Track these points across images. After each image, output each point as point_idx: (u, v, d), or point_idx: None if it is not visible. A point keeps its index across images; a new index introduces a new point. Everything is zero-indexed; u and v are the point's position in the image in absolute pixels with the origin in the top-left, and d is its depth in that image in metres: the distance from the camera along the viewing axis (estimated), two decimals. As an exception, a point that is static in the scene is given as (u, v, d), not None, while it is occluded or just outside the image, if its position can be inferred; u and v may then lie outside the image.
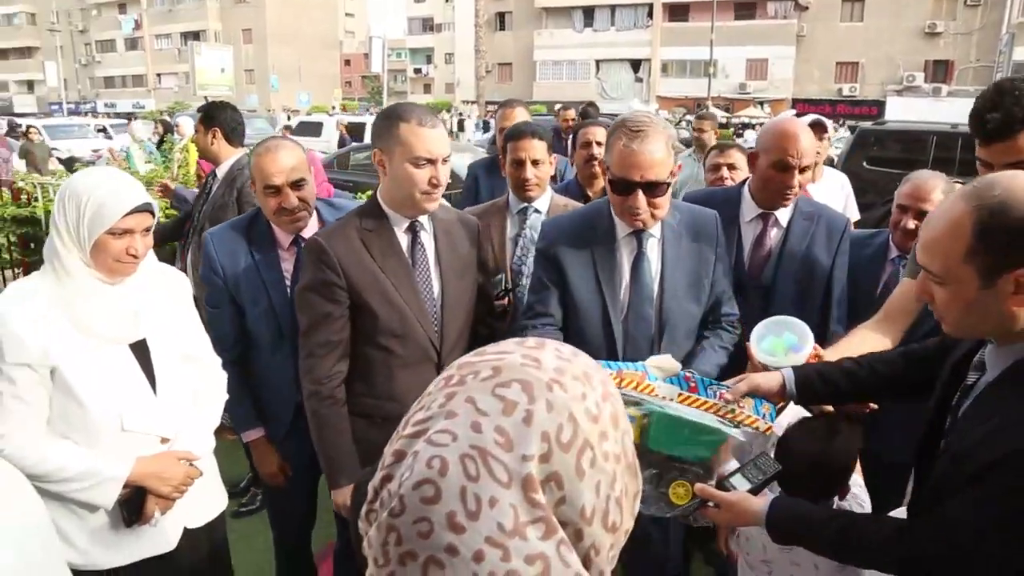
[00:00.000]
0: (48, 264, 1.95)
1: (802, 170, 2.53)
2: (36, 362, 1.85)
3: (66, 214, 1.92)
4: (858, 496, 1.90)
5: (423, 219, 2.31)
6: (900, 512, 1.70)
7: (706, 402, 1.78)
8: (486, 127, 23.51)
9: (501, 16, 46.82)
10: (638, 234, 2.29)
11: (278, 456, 2.66)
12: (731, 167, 3.68)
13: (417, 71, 62.61)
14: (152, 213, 2.01)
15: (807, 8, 38.80)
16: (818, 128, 3.85)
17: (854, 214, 4.27)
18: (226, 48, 36.26)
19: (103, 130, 21.71)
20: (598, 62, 43.90)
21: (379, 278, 2.20)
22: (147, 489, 1.99)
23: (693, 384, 1.83)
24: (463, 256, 2.40)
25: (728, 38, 37.78)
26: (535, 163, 2.94)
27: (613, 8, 43.39)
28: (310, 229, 2.58)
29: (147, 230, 2.00)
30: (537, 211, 2.98)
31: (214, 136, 3.76)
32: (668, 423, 1.66)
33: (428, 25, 62.63)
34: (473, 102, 35.78)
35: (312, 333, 2.23)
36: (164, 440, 2.07)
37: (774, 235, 2.66)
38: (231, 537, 2.46)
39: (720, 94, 36.98)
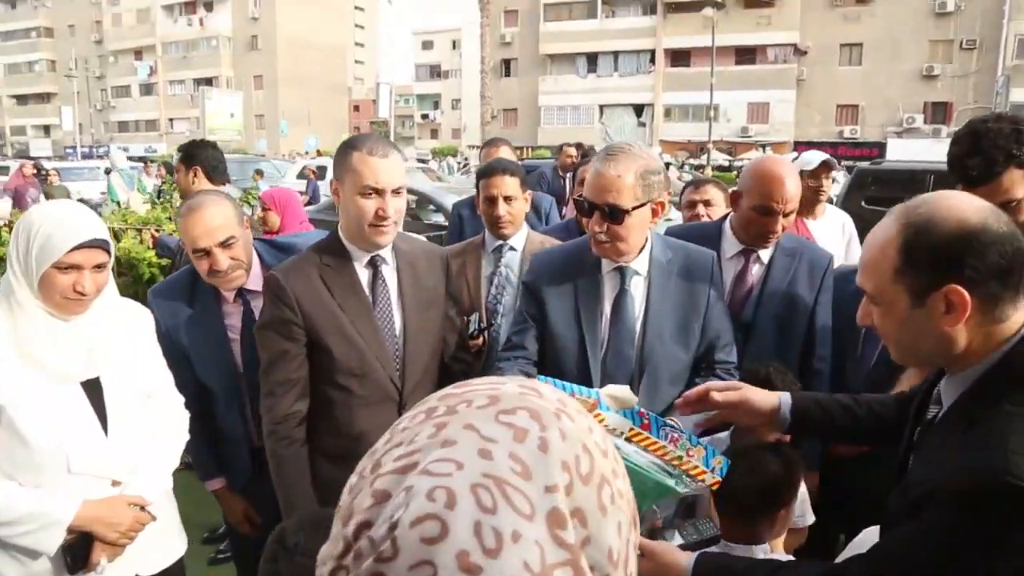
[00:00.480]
0: (3, 297, 1.86)
1: (786, 214, 2.45)
2: None
3: (17, 245, 1.83)
4: (801, 505, 1.92)
5: (385, 252, 2.22)
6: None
7: (655, 443, 1.64)
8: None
9: (507, 63, 47.78)
10: (622, 270, 2.19)
11: (243, 503, 2.61)
12: (707, 203, 3.55)
13: (424, 116, 63.67)
14: (106, 250, 1.90)
15: (806, 53, 39.52)
16: (825, 167, 3.69)
17: (857, 254, 3.92)
18: (236, 94, 37.14)
19: (109, 171, 22.25)
20: (602, 107, 44.63)
21: (337, 316, 2.13)
22: (93, 535, 1.88)
23: (646, 422, 1.68)
24: (428, 288, 2.31)
25: (729, 82, 38.45)
26: (507, 199, 2.90)
27: (616, 54, 44.25)
28: (253, 278, 2.49)
29: (99, 266, 1.88)
30: (512, 248, 2.94)
31: (195, 175, 3.68)
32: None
33: (435, 72, 63.90)
34: (478, 147, 36.40)
35: (270, 371, 2.16)
36: (116, 483, 1.97)
37: (755, 272, 2.57)
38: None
39: (722, 137, 37.57)
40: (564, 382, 1.74)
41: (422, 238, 2.49)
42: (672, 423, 1.70)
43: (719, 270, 2.33)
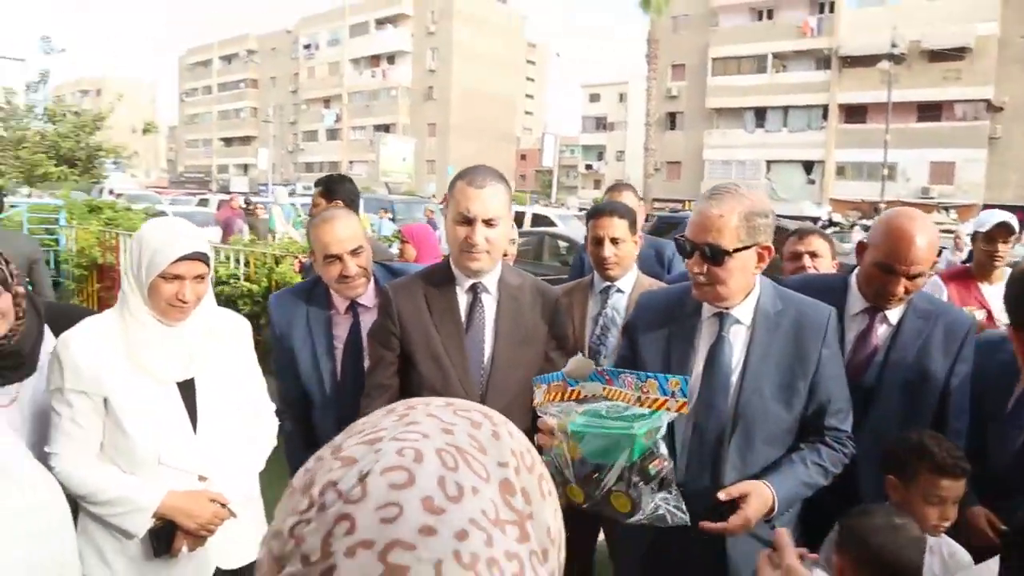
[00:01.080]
0: (119, 303, 2.09)
1: (911, 277, 2.22)
2: (91, 390, 1.96)
3: (131, 257, 2.05)
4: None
5: (489, 282, 2.27)
6: None
7: (622, 393, 1.76)
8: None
9: (672, 116, 47.71)
10: (721, 316, 2.07)
11: None
12: (813, 255, 3.28)
13: (588, 167, 64.51)
14: (205, 262, 2.07)
15: (1002, 109, 36.53)
16: (1003, 229, 3.40)
17: None
18: (409, 140, 39.55)
19: (293, 206, 24.40)
20: (768, 162, 43.39)
21: (431, 335, 2.22)
22: (175, 523, 2.04)
23: (608, 377, 1.79)
24: (527, 324, 2.31)
25: (910, 140, 36.22)
26: (614, 241, 2.88)
27: (786, 109, 43.00)
28: (367, 296, 2.62)
29: (199, 277, 2.05)
30: (620, 291, 2.94)
31: (334, 206, 3.89)
32: (594, 438, 1.66)
33: (601, 123, 64.78)
34: (641, 199, 36.41)
35: (371, 374, 2.30)
36: (202, 478, 2.11)
37: (881, 333, 2.34)
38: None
39: (899, 197, 35.29)
40: (547, 375, 1.85)
41: (536, 278, 2.50)
42: (624, 370, 1.80)
43: (837, 328, 2.13)
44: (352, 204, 3.92)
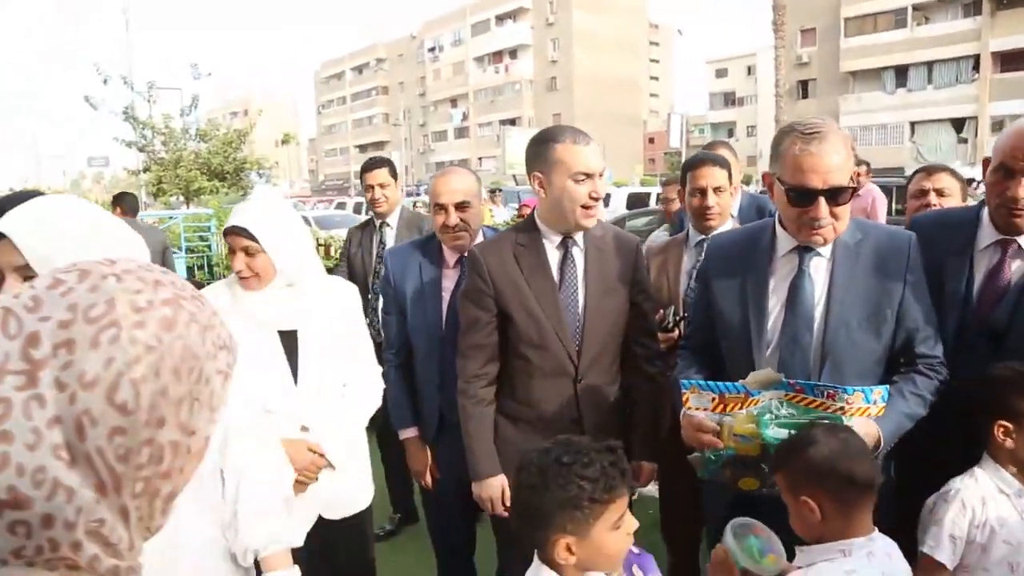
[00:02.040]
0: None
1: None
2: None
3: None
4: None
5: (576, 235, 2.35)
6: None
7: (813, 400, 1.78)
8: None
9: (803, 84, 45.65)
10: (801, 251, 2.01)
11: (427, 455, 2.82)
12: (940, 192, 3.06)
13: (717, 143, 62.87)
14: (250, 237, 2.11)
15: None
16: None
17: None
18: (533, 131, 39.97)
19: (415, 205, 25.67)
20: (913, 124, 40.71)
21: (523, 291, 2.29)
22: None
23: (799, 387, 1.80)
24: (614, 273, 2.39)
25: (1078, 85, 33.01)
26: (716, 190, 2.86)
27: (930, 65, 40.11)
28: None
29: (247, 252, 2.12)
30: None
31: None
32: (785, 430, 1.78)
33: (730, 99, 62.89)
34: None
35: (465, 335, 2.37)
36: (304, 428, 2.20)
37: (1016, 268, 2.08)
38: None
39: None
40: (713, 383, 1.86)
41: (615, 227, 2.61)
42: (826, 384, 1.81)
43: (918, 253, 2.03)
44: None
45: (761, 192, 4.04)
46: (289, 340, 2.22)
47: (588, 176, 2.21)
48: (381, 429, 2.69)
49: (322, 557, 2.28)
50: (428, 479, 2.85)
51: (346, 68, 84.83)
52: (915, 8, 40.31)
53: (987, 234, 2.15)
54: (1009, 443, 1.86)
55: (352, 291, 2.50)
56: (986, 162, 2.14)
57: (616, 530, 1.52)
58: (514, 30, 64.19)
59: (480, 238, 2.78)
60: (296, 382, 2.22)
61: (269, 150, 22.91)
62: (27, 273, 1.32)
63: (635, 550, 1.68)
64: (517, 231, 2.40)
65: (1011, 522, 1.85)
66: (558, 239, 2.35)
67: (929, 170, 3.27)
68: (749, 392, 1.81)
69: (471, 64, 68.17)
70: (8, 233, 1.34)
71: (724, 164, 2.96)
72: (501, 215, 14.14)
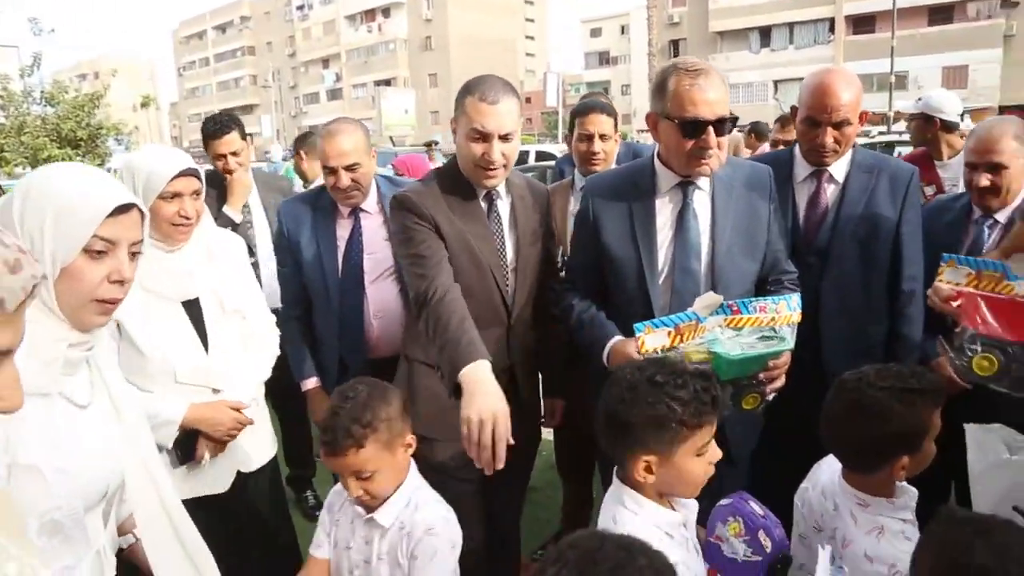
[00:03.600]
0: None
1: (837, 125, 2.33)
2: None
3: (125, 186, 1.99)
4: None
5: (500, 187, 2.29)
6: None
7: (751, 318, 1.94)
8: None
9: (675, 43, 46.71)
10: (684, 186, 2.15)
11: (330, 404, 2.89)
12: (787, 143, 3.52)
13: (593, 103, 63.72)
14: (199, 178, 2.12)
15: (1017, 4, 35.31)
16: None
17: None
18: (409, 91, 39.15)
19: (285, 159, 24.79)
20: (776, 82, 42.54)
21: (464, 236, 2.20)
22: (199, 432, 2.14)
23: (736, 307, 1.94)
24: (534, 222, 2.38)
25: (921, 46, 35.23)
26: (602, 137, 3.03)
27: (791, 26, 41.90)
28: (369, 202, 2.81)
29: (195, 193, 2.10)
30: None
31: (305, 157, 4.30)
32: (730, 363, 1.88)
33: (605, 59, 63.68)
34: (645, 130, 36.00)
35: (422, 259, 2.12)
36: (215, 391, 2.20)
37: (830, 192, 2.46)
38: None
39: (904, 108, 34.50)
40: (664, 318, 1.88)
41: (525, 176, 2.56)
42: (755, 298, 1.97)
43: (774, 183, 2.28)
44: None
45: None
46: (193, 308, 2.16)
47: (483, 136, 2.10)
48: (272, 384, 2.54)
49: (242, 506, 2.31)
50: None
51: (208, 27, 79.87)
52: (776, -30, 41.77)
53: (802, 168, 2.51)
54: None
55: (240, 243, 2.46)
56: (794, 110, 2.51)
57: (699, 456, 1.51)
58: (386, -13, 62.17)
59: (375, 189, 2.83)
60: (207, 350, 2.17)
61: (126, 115, 21.02)
62: None
63: (760, 511, 1.60)
64: (441, 178, 2.28)
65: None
66: (482, 191, 2.27)
67: (783, 120, 3.97)
68: (699, 319, 1.90)
69: (343, 23, 65.65)
70: None
71: (611, 112, 3.11)
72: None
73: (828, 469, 1.86)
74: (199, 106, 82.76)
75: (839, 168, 2.46)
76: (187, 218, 2.09)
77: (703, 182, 2.17)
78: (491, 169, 2.14)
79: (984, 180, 2.39)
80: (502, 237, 2.29)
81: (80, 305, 1.35)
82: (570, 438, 3.29)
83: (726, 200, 2.17)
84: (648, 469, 1.50)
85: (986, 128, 2.45)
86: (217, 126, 3.62)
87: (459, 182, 2.25)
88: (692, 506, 1.63)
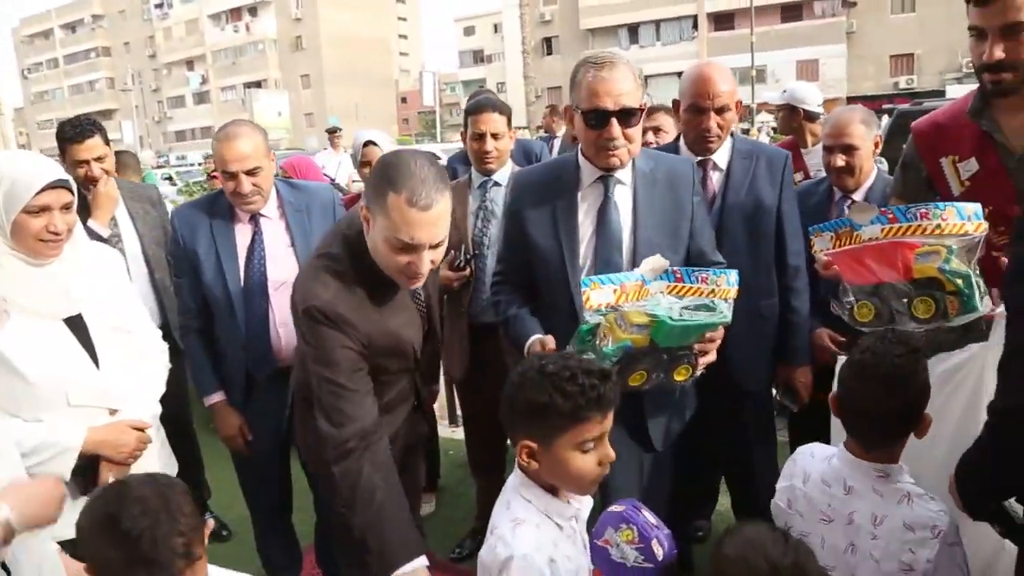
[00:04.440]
0: None
1: (719, 110, 2.49)
2: None
3: None
4: None
5: None
6: None
7: (691, 288, 2.00)
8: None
9: (548, 41, 47.52)
10: (605, 180, 2.18)
11: (239, 419, 2.74)
12: (656, 130, 3.65)
13: (470, 101, 63.95)
14: (70, 190, 1.96)
15: (855, 4, 38.21)
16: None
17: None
18: (282, 93, 38.08)
19: (169, 178, 23.16)
20: (646, 77, 43.94)
21: (390, 332, 2.01)
22: (101, 457, 2.01)
23: (679, 275, 2.00)
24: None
25: (776, 42, 37.50)
26: (495, 136, 3.05)
27: (657, 23, 43.54)
28: (269, 207, 2.70)
29: (66, 207, 1.94)
30: (497, 184, 3.09)
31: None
32: (671, 328, 1.91)
33: (479, 57, 63.96)
34: (525, 127, 36.48)
35: (354, 402, 1.89)
36: (112, 411, 2.08)
37: (716, 179, 2.63)
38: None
39: (769, 101, 36.72)
40: (612, 275, 1.93)
41: None
42: (698, 268, 2.04)
43: (697, 175, 2.34)
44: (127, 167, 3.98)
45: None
46: (77, 325, 2.02)
47: (409, 248, 1.79)
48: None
49: None
50: (240, 441, 2.77)
51: (55, 25, 74.39)
52: (641, -30, 43.27)
53: (687, 158, 2.57)
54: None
55: (117, 256, 2.36)
56: (675, 105, 2.66)
57: (583, 453, 1.50)
58: (251, -15, 59.91)
59: (274, 194, 2.73)
60: (98, 366, 2.04)
61: (-38, 123, 19.21)
62: None
63: (653, 521, 1.61)
64: (360, 270, 1.92)
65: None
66: None
67: (650, 110, 3.70)
68: (645, 280, 1.95)
69: (206, 22, 62.80)
70: None
71: (504, 110, 3.15)
72: None
73: (815, 459, 1.85)
74: (50, 111, 76.91)
75: (721, 156, 2.62)
76: (56, 233, 1.93)
77: (624, 175, 2.20)
78: (416, 278, 1.90)
79: (840, 160, 2.77)
80: (424, 306, 2.19)
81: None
82: (482, 433, 3.32)
83: (648, 193, 2.21)
84: (530, 455, 1.52)
85: (838, 115, 2.86)
86: (77, 130, 3.29)
87: (375, 273, 1.93)
88: (586, 502, 1.65)
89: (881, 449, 1.71)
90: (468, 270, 2.98)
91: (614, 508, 1.65)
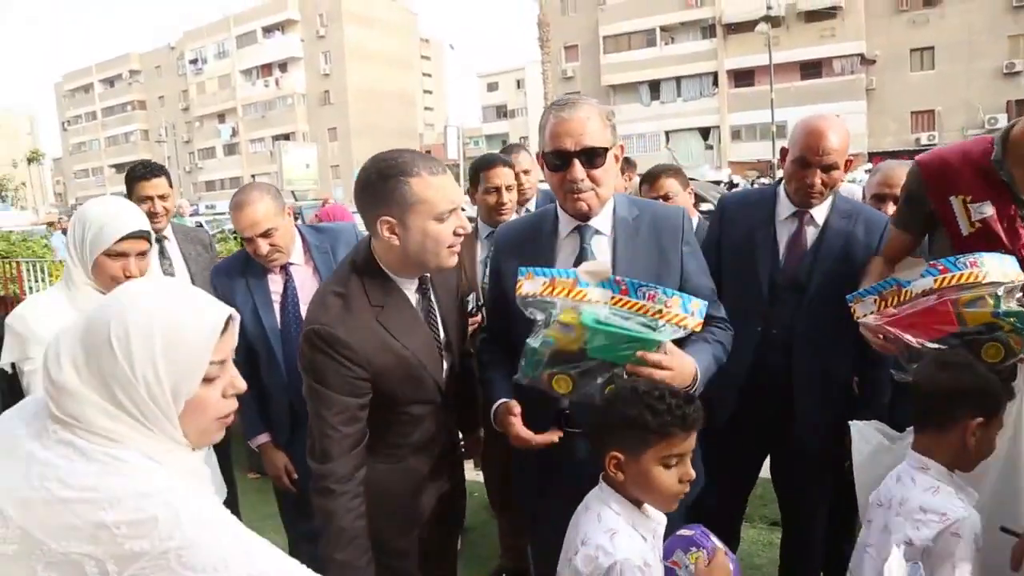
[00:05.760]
0: (64, 277, 2.21)
1: (826, 168, 2.43)
2: None
3: (74, 234, 2.14)
4: None
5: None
6: None
7: (635, 303, 1.81)
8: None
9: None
10: (581, 230, 2.07)
11: (284, 458, 2.90)
12: (665, 198, 3.46)
13: (493, 155, 64.78)
14: (148, 240, 2.21)
15: (874, 62, 38.64)
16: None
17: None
18: (310, 146, 38.92)
19: (200, 225, 23.71)
20: (667, 132, 44.60)
21: (405, 359, 1.98)
22: None
23: (624, 287, 1.83)
24: (452, 283, 2.25)
25: (796, 98, 37.84)
26: (507, 188, 3.29)
27: (678, 80, 44.24)
28: (296, 255, 2.89)
29: (142, 254, 2.18)
30: None
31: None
32: (606, 336, 1.77)
33: (502, 112, 65.05)
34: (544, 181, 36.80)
35: (332, 426, 1.91)
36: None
37: (810, 233, 2.57)
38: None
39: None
40: (544, 268, 1.86)
41: None
42: (648, 284, 1.84)
43: (691, 224, 2.19)
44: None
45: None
46: None
47: (453, 212, 1.92)
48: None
49: None
50: (286, 481, 2.89)
51: (95, 79, 77.03)
52: (662, 29, 44.21)
53: (784, 207, 2.59)
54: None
55: None
56: (784, 151, 2.58)
57: (666, 468, 1.61)
58: (283, 42, 61.83)
59: (299, 241, 2.91)
60: None
61: (6, 170, 19.89)
62: None
63: (721, 547, 1.71)
64: (366, 290, 1.95)
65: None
66: (415, 284, 2.07)
67: (651, 176, 3.65)
68: (579, 280, 1.83)
69: (238, 77, 64.72)
70: None
71: (510, 164, 3.37)
72: None
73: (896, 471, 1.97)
74: (86, 161, 79.32)
75: (820, 211, 2.57)
76: (129, 276, 2.14)
77: (602, 224, 2.08)
78: (458, 244, 1.97)
79: (891, 209, 2.82)
80: (436, 326, 2.12)
81: (204, 429, 1.25)
82: (499, 472, 3.35)
83: (629, 243, 2.07)
84: (618, 466, 1.64)
85: (890, 166, 3.08)
86: (147, 169, 3.63)
87: (385, 286, 1.98)
88: (662, 520, 1.73)
89: (934, 434, 1.86)
90: (480, 316, 2.91)
91: (683, 531, 1.76)
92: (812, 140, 2.42)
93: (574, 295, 1.82)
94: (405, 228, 1.88)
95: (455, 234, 1.93)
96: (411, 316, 2.03)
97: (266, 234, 2.74)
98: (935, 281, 2.00)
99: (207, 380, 1.20)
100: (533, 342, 1.84)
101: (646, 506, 1.69)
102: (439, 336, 2.13)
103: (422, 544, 2.17)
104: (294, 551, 2.82)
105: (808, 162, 2.44)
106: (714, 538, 1.73)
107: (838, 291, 2.38)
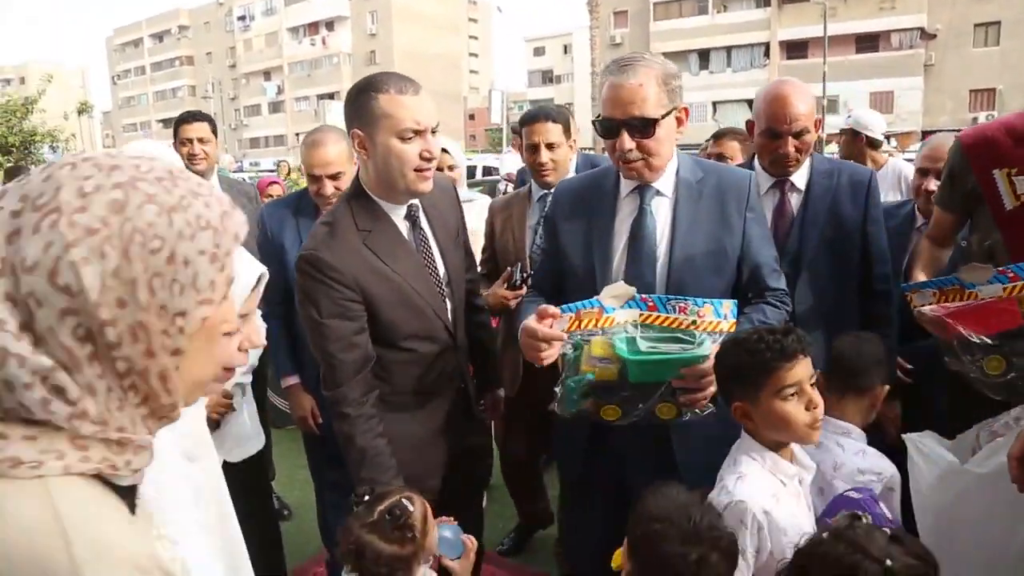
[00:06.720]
0: None
1: (797, 134, 2.35)
2: None
3: None
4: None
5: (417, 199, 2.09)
6: None
7: (667, 318, 1.79)
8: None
9: (617, 63, 47.58)
10: (642, 191, 2.01)
11: (311, 401, 2.86)
12: (720, 157, 3.46)
13: (536, 121, 64.29)
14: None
15: (935, 36, 37.26)
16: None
17: None
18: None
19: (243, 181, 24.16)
20: (715, 103, 43.77)
21: (396, 283, 1.99)
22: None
23: (651, 304, 1.80)
24: (451, 225, 2.22)
25: (850, 72, 36.83)
26: (549, 146, 2.87)
27: (729, 49, 43.26)
28: None
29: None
30: None
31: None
32: (644, 364, 1.76)
33: (548, 77, 64.43)
34: (591, 149, 36.56)
35: (336, 357, 1.95)
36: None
37: (794, 200, 2.49)
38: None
39: (840, 129, 35.99)
40: (568, 304, 1.82)
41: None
42: (676, 296, 1.83)
43: (757, 191, 2.12)
44: None
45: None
46: None
47: (418, 133, 1.89)
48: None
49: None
50: (311, 422, 2.87)
51: (144, 35, 78.01)
52: (714, -4, 43.13)
53: (763, 180, 2.50)
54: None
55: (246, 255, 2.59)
56: (750, 126, 2.53)
57: (784, 400, 1.64)
58: (331, 1, 61.76)
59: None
60: None
61: (57, 122, 20.38)
62: None
63: (889, 516, 1.74)
64: (351, 216, 1.98)
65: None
66: (402, 211, 2.06)
67: (716, 136, 3.84)
68: (604, 307, 1.80)
69: (285, 35, 64.96)
70: None
71: (558, 118, 2.92)
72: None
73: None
74: (134, 116, 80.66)
75: (800, 176, 2.48)
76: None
77: (664, 185, 2.02)
78: (429, 168, 1.95)
79: (934, 184, 2.65)
80: (432, 258, 2.11)
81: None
82: (517, 448, 3.31)
83: (691, 207, 2.00)
84: (744, 414, 1.70)
85: (940, 139, 2.85)
86: (190, 114, 3.88)
87: (372, 210, 2.01)
88: (811, 467, 1.77)
89: (844, 399, 2.10)
90: (525, 288, 2.73)
91: (851, 493, 1.80)
92: (778, 109, 2.36)
93: (602, 323, 1.81)
94: (373, 144, 1.91)
95: (422, 157, 1.91)
96: (398, 240, 2.04)
97: (335, 176, 2.77)
98: (1004, 290, 1.92)
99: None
100: (571, 381, 1.84)
101: (794, 452, 1.75)
102: (436, 270, 2.11)
103: (444, 501, 2.08)
104: (320, 499, 3.07)
105: (778, 132, 2.37)
106: (883, 506, 1.75)
107: (833, 253, 2.42)
